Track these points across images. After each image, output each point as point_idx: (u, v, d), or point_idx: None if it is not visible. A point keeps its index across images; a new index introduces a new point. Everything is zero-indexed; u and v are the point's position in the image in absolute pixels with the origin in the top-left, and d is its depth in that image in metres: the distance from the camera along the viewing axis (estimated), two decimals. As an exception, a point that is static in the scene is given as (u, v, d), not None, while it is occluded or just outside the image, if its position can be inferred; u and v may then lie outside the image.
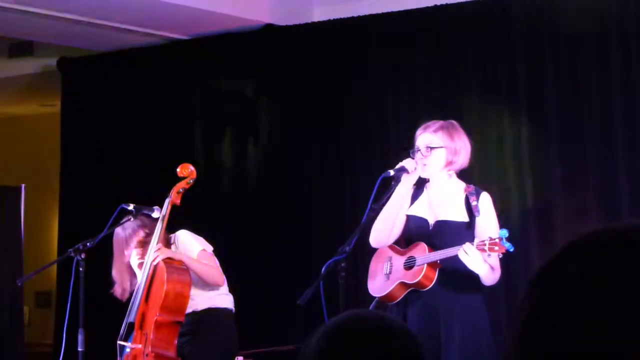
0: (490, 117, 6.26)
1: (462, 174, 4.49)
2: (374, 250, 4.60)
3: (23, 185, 8.28)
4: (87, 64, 8.17)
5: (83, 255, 4.81)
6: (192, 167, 5.05)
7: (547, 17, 6.09)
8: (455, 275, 4.24)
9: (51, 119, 9.26)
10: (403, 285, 4.35)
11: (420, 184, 4.47)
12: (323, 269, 4.17)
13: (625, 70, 5.85)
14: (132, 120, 7.80)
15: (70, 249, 4.86)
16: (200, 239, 5.04)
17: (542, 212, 6.01)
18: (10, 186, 8.41)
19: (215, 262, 4.98)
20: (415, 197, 4.48)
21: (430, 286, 4.28)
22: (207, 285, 4.95)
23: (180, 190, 4.97)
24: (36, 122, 10.54)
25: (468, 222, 4.33)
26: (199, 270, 4.88)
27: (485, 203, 4.35)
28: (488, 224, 4.30)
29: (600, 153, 5.87)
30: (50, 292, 9.21)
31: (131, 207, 4.93)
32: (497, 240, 4.03)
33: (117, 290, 5.04)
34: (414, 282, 4.30)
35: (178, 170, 5.01)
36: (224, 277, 4.99)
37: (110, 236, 4.98)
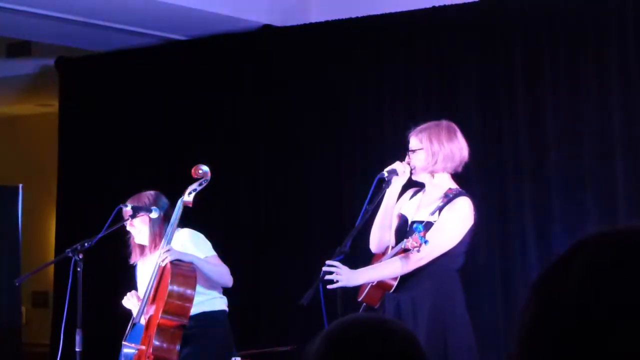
0: (487, 119, 6.26)
1: (459, 176, 4.48)
2: (370, 250, 4.61)
3: (21, 185, 8.27)
4: (84, 64, 8.17)
5: (81, 256, 4.80)
6: (204, 169, 4.96)
7: (545, 18, 6.10)
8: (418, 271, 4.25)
9: (49, 119, 9.27)
10: (375, 287, 4.38)
11: (423, 185, 4.48)
12: (322, 271, 4.18)
13: (624, 71, 5.86)
14: (129, 120, 7.80)
15: (68, 249, 4.84)
16: (205, 241, 5.01)
17: (541, 213, 6.01)
18: (7, 186, 8.40)
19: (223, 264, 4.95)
20: (414, 196, 4.49)
21: (394, 285, 4.30)
22: (206, 289, 4.92)
23: (191, 191, 4.92)
24: (34, 122, 10.55)
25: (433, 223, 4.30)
26: (209, 270, 4.85)
27: (453, 207, 4.26)
28: (439, 227, 4.21)
29: (599, 154, 5.87)
30: (47, 292, 9.22)
31: (129, 207, 4.93)
32: (414, 242, 4.04)
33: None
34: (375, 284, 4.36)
35: (192, 171, 4.96)
36: (232, 278, 4.97)
37: (107, 237, 4.96)
